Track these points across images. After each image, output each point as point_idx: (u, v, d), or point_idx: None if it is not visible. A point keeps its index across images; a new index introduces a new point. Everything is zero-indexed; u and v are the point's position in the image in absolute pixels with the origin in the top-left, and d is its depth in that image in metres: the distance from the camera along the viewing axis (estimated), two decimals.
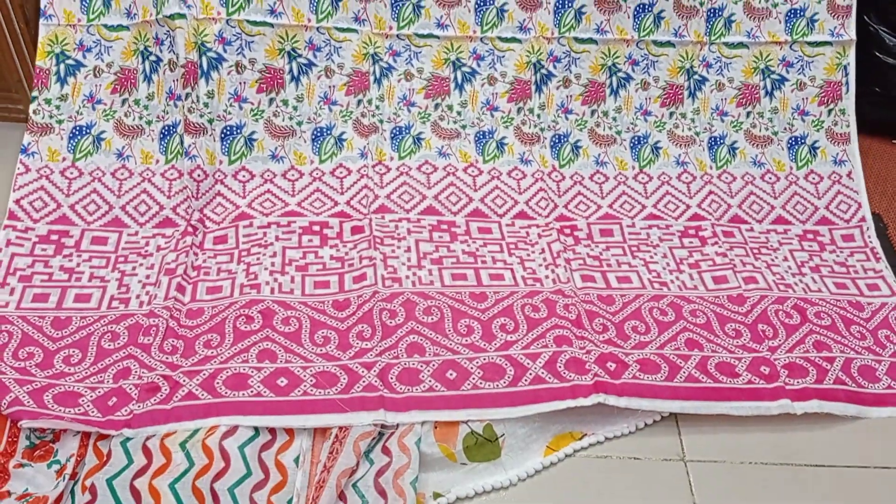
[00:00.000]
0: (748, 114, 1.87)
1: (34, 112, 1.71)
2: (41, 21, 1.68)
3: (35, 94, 1.72)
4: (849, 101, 1.88)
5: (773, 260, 1.70)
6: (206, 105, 1.66)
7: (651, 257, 1.67)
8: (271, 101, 1.72)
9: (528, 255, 1.64)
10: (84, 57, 1.72)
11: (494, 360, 1.38)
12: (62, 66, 1.72)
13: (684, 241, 1.72)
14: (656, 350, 1.43)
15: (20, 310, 1.44)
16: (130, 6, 1.68)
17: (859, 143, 1.85)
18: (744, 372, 1.40)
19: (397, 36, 1.75)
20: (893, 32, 1.89)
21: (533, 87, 1.79)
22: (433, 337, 1.43)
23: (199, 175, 1.68)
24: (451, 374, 1.35)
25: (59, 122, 1.72)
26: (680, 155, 1.84)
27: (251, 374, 1.32)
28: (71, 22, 1.70)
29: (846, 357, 1.47)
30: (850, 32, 1.84)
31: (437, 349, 1.40)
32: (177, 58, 1.63)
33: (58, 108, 1.72)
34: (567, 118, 1.82)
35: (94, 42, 1.71)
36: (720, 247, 1.70)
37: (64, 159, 1.70)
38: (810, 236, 1.77)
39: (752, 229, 1.76)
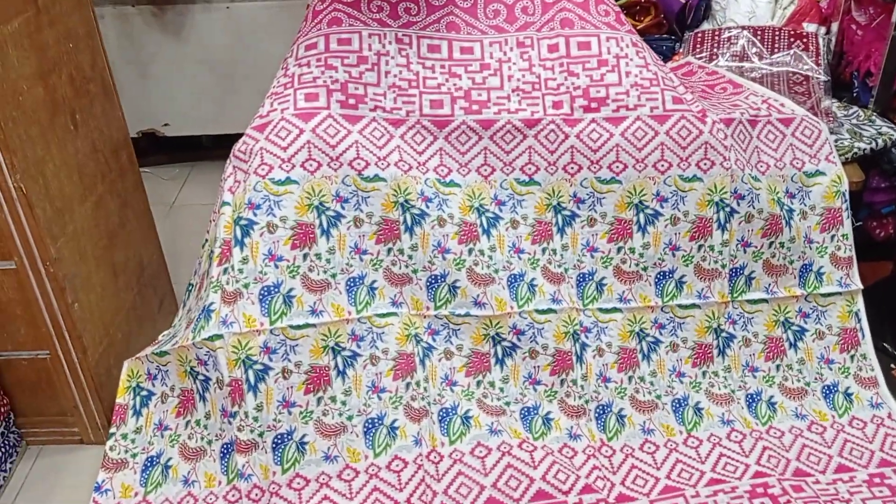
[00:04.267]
0: (777, 367, 1.62)
1: (111, 449, 1.48)
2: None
3: (113, 430, 1.50)
4: (867, 347, 1.65)
5: None
6: (255, 419, 1.39)
7: None
8: (319, 400, 1.45)
9: None
10: (153, 385, 1.51)
11: None
12: (138, 399, 1.51)
13: (755, 502, 1.40)
14: None
15: None
16: (174, 335, 1.48)
17: None
18: None
19: (435, 316, 1.51)
20: None
21: (574, 358, 1.53)
22: None
23: (256, 495, 1.38)
24: None
25: (134, 455, 1.48)
26: (724, 414, 1.56)
27: None
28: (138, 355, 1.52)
29: None
30: (856, 282, 1.65)
31: None
32: (222, 376, 1.38)
33: (133, 441, 1.49)
34: (607, 387, 1.56)
35: (156, 370, 1.50)
36: None
37: (136, 494, 1.44)
38: (878, 480, 1.45)
39: (818, 481, 1.45)
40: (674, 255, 1.58)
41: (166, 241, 2.21)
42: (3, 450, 1.57)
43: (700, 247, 1.58)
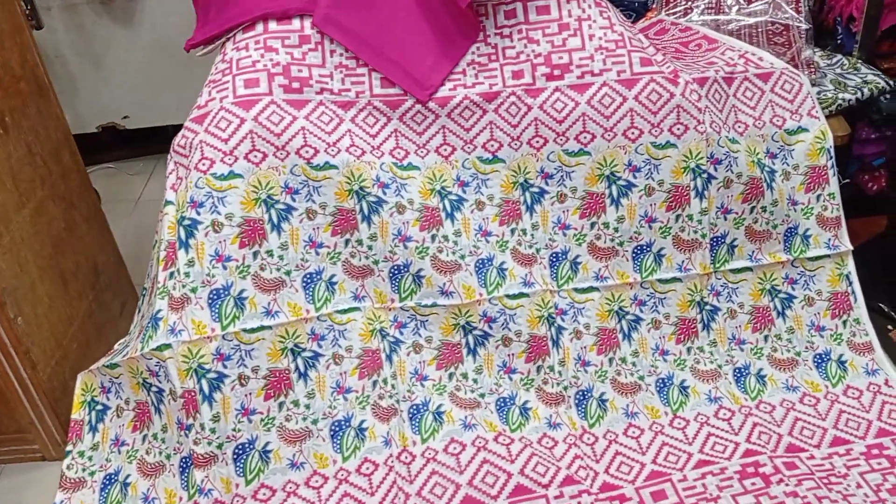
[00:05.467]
0: (766, 338, 1.53)
1: (68, 468, 1.39)
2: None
3: (69, 447, 1.41)
4: (860, 310, 1.56)
5: (846, 489, 1.29)
6: (212, 431, 1.31)
7: None
8: (281, 405, 1.37)
9: None
10: (107, 398, 1.42)
11: None
12: (93, 414, 1.43)
13: (745, 483, 1.32)
14: None
15: None
16: (127, 344, 1.39)
17: None
18: None
19: (401, 308, 1.42)
20: None
21: (550, 343, 1.44)
22: None
23: None
24: None
25: (92, 473, 1.40)
26: (711, 391, 1.47)
27: None
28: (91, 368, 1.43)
29: None
30: (845, 242, 1.55)
31: None
32: (174, 387, 1.29)
33: (90, 459, 1.41)
34: (587, 371, 1.47)
35: (109, 382, 1.42)
36: (787, 484, 1.30)
37: None
38: (876, 452, 1.37)
39: (812, 457, 1.36)
40: (650, 228, 1.48)
41: (133, 240, 2.13)
42: None
43: (678, 217, 1.48)
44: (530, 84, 1.44)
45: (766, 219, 1.51)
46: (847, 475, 1.33)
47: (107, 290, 1.75)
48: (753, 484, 1.32)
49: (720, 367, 1.50)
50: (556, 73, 1.44)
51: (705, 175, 1.45)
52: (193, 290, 1.32)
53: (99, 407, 1.42)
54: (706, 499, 1.31)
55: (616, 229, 1.47)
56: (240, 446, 1.33)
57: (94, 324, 1.67)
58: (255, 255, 1.36)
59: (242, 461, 1.33)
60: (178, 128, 2.62)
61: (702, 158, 1.45)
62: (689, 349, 1.51)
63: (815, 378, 1.50)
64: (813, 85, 1.61)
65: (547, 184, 1.47)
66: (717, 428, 1.43)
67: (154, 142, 2.64)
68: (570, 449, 1.40)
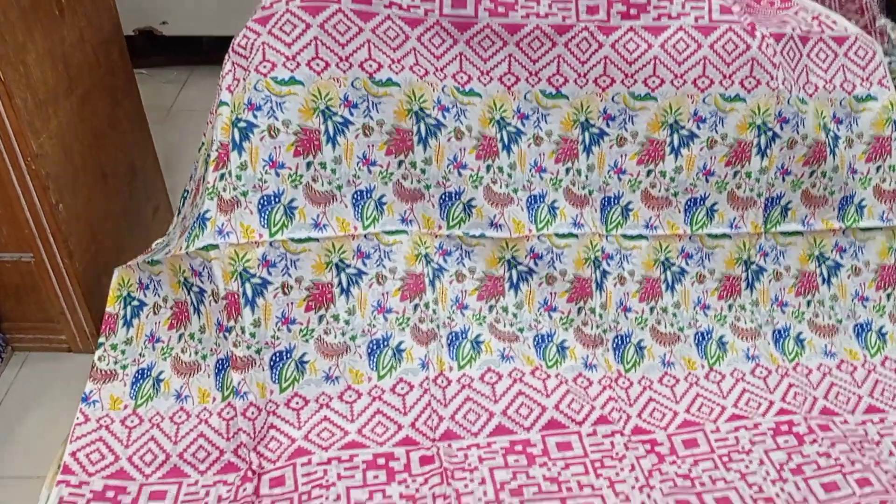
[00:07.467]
0: (808, 303, 1.52)
1: (99, 359, 1.37)
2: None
3: (102, 340, 1.39)
4: None
5: (879, 456, 1.29)
6: (252, 335, 1.30)
7: (747, 467, 1.27)
8: (321, 318, 1.35)
9: (617, 473, 1.23)
10: (145, 295, 1.40)
11: None
12: (129, 309, 1.40)
13: (779, 440, 1.32)
14: None
15: None
16: (168, 243, 1.37)
17: None
18: None
19: (447, 236, 1.40)
20: None
21: (593, 286, 1.43)
22: None
23: (252, 413, 1.29)
24: None
25: (124, 367, 1.38)
26: (749, 349, 1.47)
27: None
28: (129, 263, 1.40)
29: None
30: None
31: None
32: (217, 289, 1.27)
33: (123, 352, 1.39)
34: (627, 317, 1.46)
35: (148, 279, 1.39)
36: (820, 445, 1.30)
37: (125, 406, 1.34)
38: None
39: (846, 422, 1.37)
40: (707, 181, 1.46)
41: (163, 148, 2.08)
42: None
43: (736, 173, 1.45)
44: (604, 21, 1.41)
45: (824, 184, 1.49)
46: (880, 442, 1.34)
47: (142, 192, 1.73)
48: (786, 441, 1.33)
49: (760, 326, 1.50)
50: (633, 12, 1.40)
51: (770, 133, 1.43)
52: (244, 194, 1.30)
53: (135, 303, 1.41)
54: (738, 451, 1.31)
55: (672, 179, 1.45)
56: (277, 353, 1.32)
57: (127, 223, 1.65)
58: (308, 165, 1.33)
59: (279, 368, 1.32)
60: (215, 40, 2.58)
61: (769, 115, 1.42)
62: (730, 306, 1.50)
63: (854, 346, 1.50)
64: (885, 55, 1.58)
65: (608, 126, 1.44)
66: (753, 385, 1.43)
67: (189, 51, 2.59)
68: (605, 391, 1.40)
